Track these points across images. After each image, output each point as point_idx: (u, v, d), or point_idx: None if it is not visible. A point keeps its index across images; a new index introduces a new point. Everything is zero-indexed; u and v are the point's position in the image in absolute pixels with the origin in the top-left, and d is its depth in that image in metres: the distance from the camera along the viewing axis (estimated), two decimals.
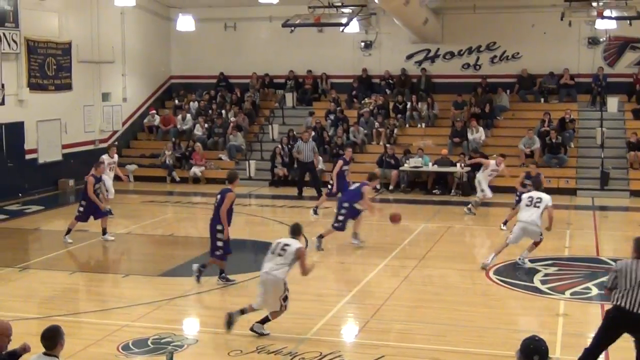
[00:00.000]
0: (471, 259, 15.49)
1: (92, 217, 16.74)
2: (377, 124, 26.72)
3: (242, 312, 10.53)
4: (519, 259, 14.55)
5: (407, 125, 27.21)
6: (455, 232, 18.68)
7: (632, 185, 23.24)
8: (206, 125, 28.09)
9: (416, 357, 9.91)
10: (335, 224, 15.98)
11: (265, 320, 10.47)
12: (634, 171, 23.74)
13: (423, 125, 27.16)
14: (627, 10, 23.96)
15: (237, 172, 13.97)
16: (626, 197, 22.75)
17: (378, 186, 17.09)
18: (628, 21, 24.48)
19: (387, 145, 25.25)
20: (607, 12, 24.03)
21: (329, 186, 20.14)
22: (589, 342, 10.63)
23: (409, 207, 20.82)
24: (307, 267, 10.57)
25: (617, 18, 24.47)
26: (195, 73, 30.81)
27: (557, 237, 16.48)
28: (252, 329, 10.44)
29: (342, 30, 26.05)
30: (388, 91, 28.64)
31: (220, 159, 26.94)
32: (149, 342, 10.21)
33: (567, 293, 12.66)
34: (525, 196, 14.73)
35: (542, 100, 27.50)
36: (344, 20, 25.94)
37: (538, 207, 14.22)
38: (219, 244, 13.06)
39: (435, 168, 24.00)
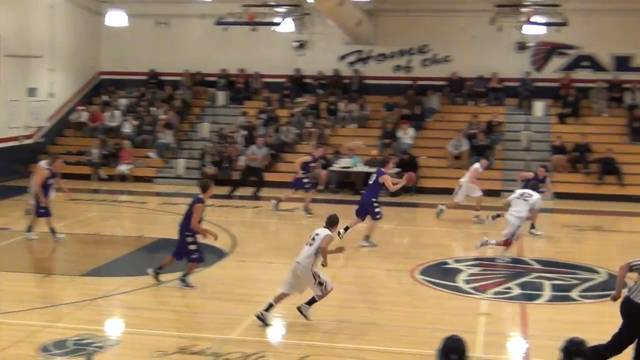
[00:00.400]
0: (398, 259, 15.62)
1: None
2: (308, 124, 26.75)
3: (270, 306, 10.87)
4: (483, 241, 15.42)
5: (338, 126, 27.32)
6: (383, 233, 18.76)
7: (556, 187, 23.66)
8: (135, 123, 27.74)
9: (340, 356, 9.93)
10: (378, 217, 16.50)
11: (312, 301, 10.86)
12: (557, 174, 24.28)
13: (354, 126, 27.31)
14: (555, 16, 24.50)
15: (210, 181, 13.63)
16: (550, 199, 23.18)
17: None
18: (555, 27, 25.03)
19: (318, 145, 25.28)
20: (535, 18, 24.56)
21: (305, 180, 20.19)
22: (509, 340, 10.93)
23: (337, 207, 20.85)
24: (326, 255, 10.77)
25: (544, 24, 25.03)
26: (126, 69, 30.39)
27: (481, 237, 16.70)
28: (299, 309, 10.88)
29: (275, 30, 26.02)
30: (320, 91, 28.72)
31: (148, 157, 26.64)
32: (69, 344, 9.99)
33: (490, 293, 12.87)
34: (519, 191, 15.73)
35: (471, 103, 27.91)
36: (277, 20, 25.94)
37: (527, 200, 15.26)
38: (192, 247, 12.73)
39: (365, 168, 24.13)
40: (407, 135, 25.76)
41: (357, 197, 23.30)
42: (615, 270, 14.51)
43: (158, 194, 23.92)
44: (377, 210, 16.51)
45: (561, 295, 12.96)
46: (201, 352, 9.74)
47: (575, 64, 27.93)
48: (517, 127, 26.64)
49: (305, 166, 20.33)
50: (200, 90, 29.84)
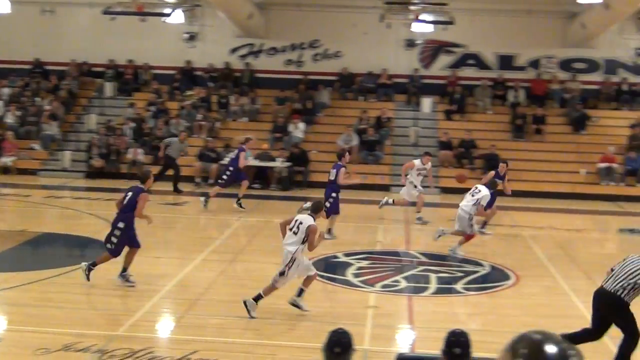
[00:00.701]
0: None
1: None
2: (199, 117, 26.52)
3: (302, 291, 11.10)
4: (450, 250, 15.42)
5: (229, 119, 27.18)
6: (274, 226, 18.72)
7: (442, 182, 24.35)
8: (19, 113, 26.83)
9: (230, 351, 9.89)
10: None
11: (300, 292, 11.07)
12: (444, 169, 24.91)
13: (245, 119, 27.24)
14: (442, 15, 25.09)
15: (149, 171, 13.23)
16: (437, 194, 23.79)
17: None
18: (442, 26, 25.64)
19: (208, 138, 25.12)
20: (423, 16, 25.08)
21: (224, 177, 19.82)
22: (396, 332, 11.15)
23: (228, 200, 20.75)
24: (314, 245, 10.89)
25: (432, 22, 25.59)
26: (9, 58, 29.32)
27: (370, 231, 17.02)
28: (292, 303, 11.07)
29: (165, 21, 25.66)
30: (211, 84, 28.50)
31: (32, 148, 25.82)
32: None
33: (378, 286, 13.08)
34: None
35: (361, 98, 28.27)
36: (167, 10, 25.57)
37: (474, 196, 15.33)
38: (114, 239, 12.30)
39: (256, 162, 24.12)
40: (298, 129, 25.89)
41: (248, 191, 23.37)
42: (498, 263, 15.08)
43: (43, 187, 23.23)
44: (327, 205, 16.35)
45: (446, 287, 13.29)
46: (86, 349, 9.52)
47: (461, 62, 28.72)
48: (405, 123, 27.16)
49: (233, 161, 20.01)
50: (87, 81, 29.12)
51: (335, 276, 13.68)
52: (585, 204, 22.77)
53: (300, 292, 11.11)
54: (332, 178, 16.75)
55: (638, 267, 8.86)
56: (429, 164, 19.49)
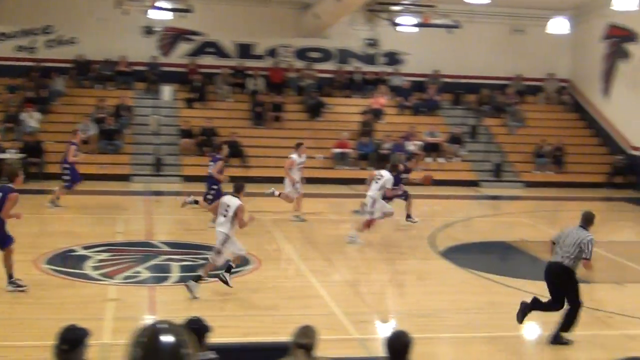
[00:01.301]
0: (22, 249, 14.82)
1: None
2: None
3: (199, 278, 11.75)
4: (350, 236, 16.27)
5: None
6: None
7: (184, 170, 24.38)
8: None
9: None
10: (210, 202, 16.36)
11: (229, 268, 11.93)
12: (185, 157, 24.91)
13: None
14: (180, 3, 25.01)
15: (18, 169, 11.98)
16: (179, 182, 23.77)
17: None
18: (181, 13, 25.55)
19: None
20: (160, 3, 24.84)
21: (67, 177, 18.71)
22: (139, 324, 11.00)
23: None
24: (244, 222, 11.85)
25: (169, 10, 25.42)
26: None
27: (110, 223, 16.66)
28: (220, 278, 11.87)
29: None
30: None
31: None
32: None
33: (118, 278, 12.85)
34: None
35: (99, 86, 27.46)
36: None
37: (377, 182, 16.19)
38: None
39: None
40: (32, 118, 24.66)
41: None
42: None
43: None
44: (211, 192, 16.75)
45: (189, 275, 13.31)
46: None
47: (200, 50, 28.79)
48: (146, 111, 26.79)
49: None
50: None
51: (73, 270, 13.23)
52: (322, 188, 23.70)
53: (229, 268, 11.92)
54: (210, 171, 16.99)
55: (576, 239, 10.13)
56: (305, 155, 18.88)
